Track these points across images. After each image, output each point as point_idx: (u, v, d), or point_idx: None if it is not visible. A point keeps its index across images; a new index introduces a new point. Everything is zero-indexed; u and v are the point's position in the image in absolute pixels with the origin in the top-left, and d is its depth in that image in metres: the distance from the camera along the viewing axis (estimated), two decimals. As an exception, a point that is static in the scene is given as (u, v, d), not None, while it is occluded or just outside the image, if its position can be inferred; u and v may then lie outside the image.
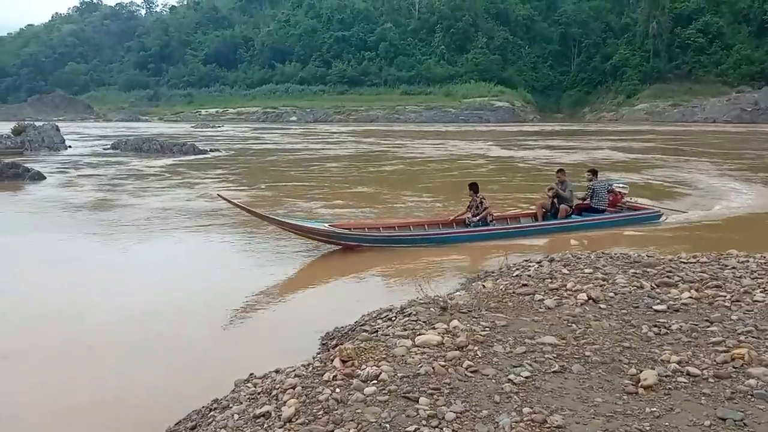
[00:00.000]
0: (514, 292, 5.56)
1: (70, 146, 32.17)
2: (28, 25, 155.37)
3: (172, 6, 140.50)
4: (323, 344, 5.54)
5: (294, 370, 4.01)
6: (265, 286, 7.74)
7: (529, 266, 6.62)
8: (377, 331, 4.83)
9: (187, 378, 5.04)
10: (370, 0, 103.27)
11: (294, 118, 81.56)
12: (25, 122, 35.39)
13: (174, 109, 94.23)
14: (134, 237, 10.57)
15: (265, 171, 22.52)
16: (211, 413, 3.96)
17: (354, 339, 4.60)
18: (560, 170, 11.49)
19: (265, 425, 3.35)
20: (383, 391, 3.50)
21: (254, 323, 6.61)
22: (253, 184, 18.25)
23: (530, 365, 3.92)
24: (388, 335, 4.49)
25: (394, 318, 5.09)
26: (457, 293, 5.69)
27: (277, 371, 4.25)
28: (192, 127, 63.67)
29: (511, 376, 3.74)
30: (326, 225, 9.63)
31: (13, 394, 4.58)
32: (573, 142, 38.00)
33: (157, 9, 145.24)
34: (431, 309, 4.99)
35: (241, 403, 3.82)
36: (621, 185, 11.73)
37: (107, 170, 22.12)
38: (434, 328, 4.49)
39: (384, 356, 4.01)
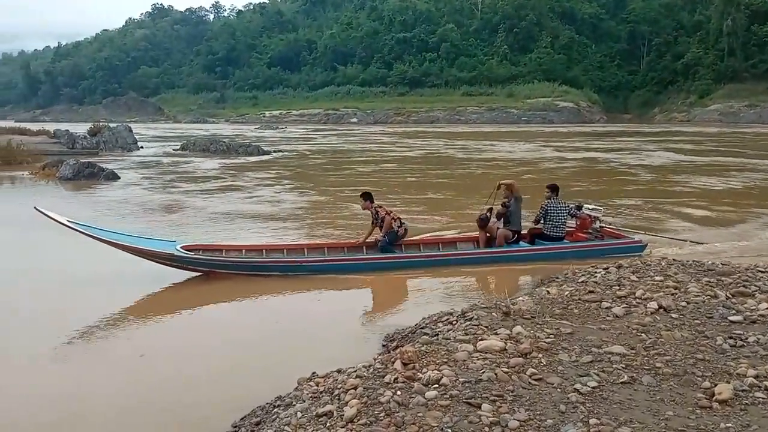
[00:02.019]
0: (579, 299, 5.42)
1: (142, 147, 33.54)
2: (104, 30, 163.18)
3: (239, 11, 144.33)
4: (384, 345, 5.55)
5: (355, 371, 4.04)
6: (326, 286, 7.80)
7: (596, 272, 6.43)
8: (438, 335, 4.80)
9: (251, 375, 5.15)
10: (432, 1, 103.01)
11: (355, 120, 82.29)
12: (101, 123, 37.09)
13: (239, 111, 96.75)
14: (200, 238, 10.83)
15: (328, 173, 22.75)
16: (275, 410, 4.04)
17: (415, 342, 4.59)
18: (503, 183, 9.24)
19: (328, 424, 3.38)
20: (445, 396, 3.47)
21: (315, 322, 6.70)
22: (316, 186, 18.43)
23: (597, 375, 3.80)
24: (449, 339, 4.45)
25: (455, 322, 5.04)
26: (520, 299, 5.59)
27: (338, 371, 4.29)
28: (256, 128, 65.19)
29: (578, 386, 3.64)
30: (177, 247, 8.00)
31: (79, 396, 4.74)
32: (647, 143, 36.79)
33: (225, 14, 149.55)
34: (493, 314, 4.92)
35: (304, 401, 3.88)
36: (591, 208, 9.43)
37: (176, 170, 22.91)
38: (496, 334, 4.42)
39: (445, 360, 3.98)
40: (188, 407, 4.53)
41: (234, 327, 6.51)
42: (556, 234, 9.08)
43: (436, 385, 3.60)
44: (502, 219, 9.09)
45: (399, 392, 3.54)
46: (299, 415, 3.63)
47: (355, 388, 3.69)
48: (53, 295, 7.41)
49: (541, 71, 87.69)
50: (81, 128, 36.28)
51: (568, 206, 9.27)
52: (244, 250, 8.53)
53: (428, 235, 10.30)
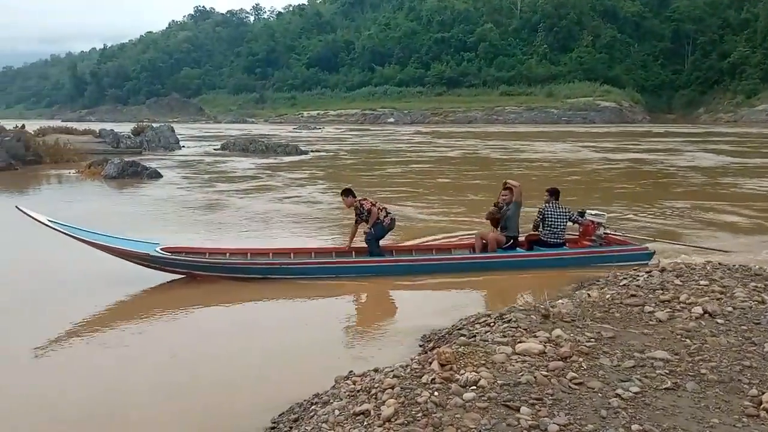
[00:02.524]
0: (621, 303, 5.32)
1: (183, 146, 34.24)
2: (148, 32, 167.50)
3: (279, 12, 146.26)
4: (420, 346, 5.54)
5: (392, 371, 4.04)
6: (362, 285, 7.82)
7: (638, 276, 6.30)
8: (475, 336, 4.77)
9: (287, 373, 5.20)
10: (470, 0, 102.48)
11: (392, 120, 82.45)
12: (144, 123, 38.01)
13: (278, 111, 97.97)
14: (237, 237, 10.98)
15: (364, 173, 22.82)
16: (313, 407, 4.08)
17: (452, 343, 4.56)
18: (510, 183, 8.82)
19: (365, 423, 3.39)
20: (483, 398, 3.45)
21: (352, 321, 6.74)
22: (353, 187, 18.49)
23: (640, 380, 3.73)
24: (487, 341, 4.42)
25: (492, 324, 5.01)
26: (560, 301, 5.51)
27: (375, 370, 4.30)
28: (294, 128, 65.82)
29: (619, 391, 3.57)
30: (156, 249, 7.87)
31: (118, 393, 4.82)
32: (693, 144, 35.87)
33: (265, 15, 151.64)
34: (532, 316, 4.86)
35: (341, 399, 3.90)
36: (594, 213, 8.91)
37: (216, 169, 23.32)
38: (535, 336, 4.37)
39: (483, 362, 3.95)
40: (227, 404, 4.59)
41: (265, 327, 6.57)
42: (553, 240, 8.64)
43: (474, 387, 3.58)
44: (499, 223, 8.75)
45: (436, 393, 3.54)
46: (337, 412, 3.65)
47: (393, 388, 3.70)
48: (90, 291, 7.59)
49: (582, 70, 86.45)
50: (125, 128, 37.23)
51: (569, 212, 8.75)
52: (228, 254, 8.40)
53: (420, 240, 9.91)
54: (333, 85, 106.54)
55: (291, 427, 3.92)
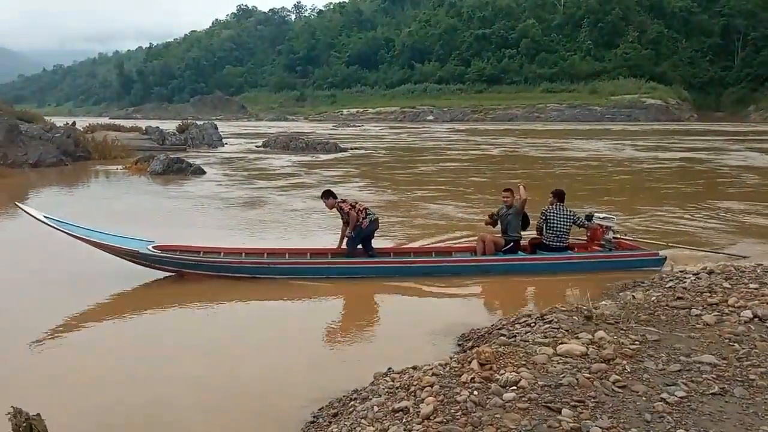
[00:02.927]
0: (667, 305, 5.20)
1: (226, 143, 34.83)
2: (192, 31, 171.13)
3: (320, 10, 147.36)
4: (459, 345, 5.52)
5: (431, 369, 4.04)
6: (400, 284, 7.80)
7: (685, 278, 6.15)
8: (515, 336, 4.73)
9: (327, 369, 5.24)
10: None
11: (431, 117, 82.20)
12: (188, 121, 38.82)
13: (318, 109, 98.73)
14: (276, 234, 11.08)
15: (404, 171, 22.81)
16: (352, 403, 4.11)
17: (492, 342, 4.54)
18: (507, 189, 8.64)
19: (404, 420, 3.40)
20: (523, 399, 3.42)
21: (390, 319, 6.75)
22: (393, 185, 18.46)
23: (686, 385, 3.64)
24: (528, 341, 4.38)
25: (533, 324, 4.96)
26: (603, 303, 5.42)
27: (414, 368, 4.31)
28: (334, 126, 66.27)
29: (664, 395, 3.49)
30: (148, 247, 7.88)
31: (162, 385, 4.92)
32: (744, 142, 34.74)
33: (306, 13, 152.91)
34: (574, 317, 4.80)
35: (380, 395, 3.92)
36: (602, 217, 8.54)
37: (258, 166, 23.66)
38: (578, 338, 4.31)
39: (524, 363, 3.92)
40: (268, 398, 4.66)
41: (298, 324, 6.61)
42: (556, 244, 8.32)
43: (514, 387, 3.55)
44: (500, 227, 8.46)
45: (476, 392, 3.52)
46: (376, 409, 3.67)
47: (432, 386, 3.70)
48: (139, 283, 7.79)
49: (627, 67, 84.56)
50: (170, 125, 38.08)
51: (573, 215, 8.41)
52: (222, 253, 8.33)
53: (419, 243, 9.73)
54: (372, 83, 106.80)
55: (330, 422, 3.96)
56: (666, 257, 8.25)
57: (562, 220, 8.32)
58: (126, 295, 7.48)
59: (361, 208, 8.33)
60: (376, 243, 8.70)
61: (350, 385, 4.51)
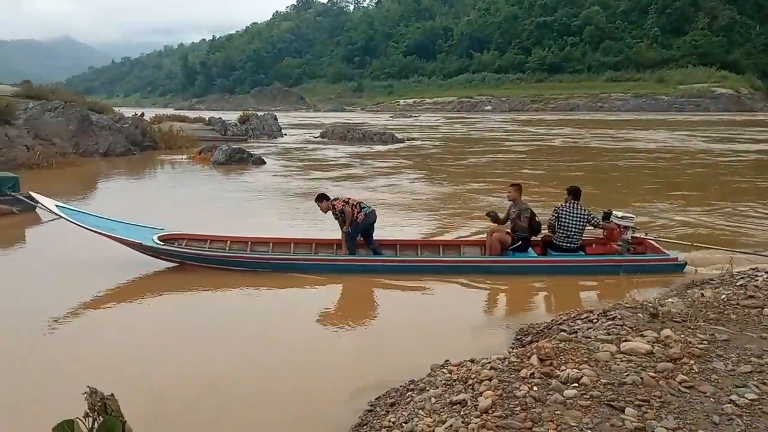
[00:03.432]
0: (738, 304, 4.96)
1: (285, 134, 35.41)
2: (253, 23, 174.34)
3: (378, 0, 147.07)
4: (517, 339, 5.46)
5: (489, 363, 4.01)
6: (458, 278, 7.73)
7: (757, 275, 5.86)
8: (576, 332, 4.63)
9: (382, 358, 5.28)
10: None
11: (489, 108, 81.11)
12: (249, 112, 39.64)
13: (375, 100, 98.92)
14: (330, 226, 11.08)
15: (460, 162, 22.61)
16: (409, 393, 4.13)
17: (552, 338, 4.46)
18: (514, 185, 8.24)
19: (462, 412, 3.39)
20: (585, 396, 3.35)
21: (446, 311, 6.72)
22: (448, 177, 18.30)
23: (757, 387, 3.47)
24: (590, 338, 4.28)
25: (595, 320, 4.83)
26: (669, 300, 5.23)
27: (472, 361, 4.29)
28: (390, 116, 66.30)
29: (734, 397, 3.35)
30: (154, 237, 7.91)
31: (217, 375, 4.99)
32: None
33: (364, 4, 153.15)
34: (639, 314, 4.65)
35: (437, 387, 3.92)
36: (621, 216, 7.96)
37: (316, 157, 23.95)
38: (642, 336, 4.18)
39: (585, 359, 3.83)
40: (325, 386, 4.73)
41: (352, 314, 6.65)
42: (566, 244, 7.85)
43: (576, 384, 3.48)
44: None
45: (535, 388, 3.47)
46: (433, 400, 3.67)
47: (490, 380, 3.67)
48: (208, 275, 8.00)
49: (697, 55, 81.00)
50: (231, 116, 38.95)
51: (588, 214, 7.86)
52: (228, 242, 8.28)
53: (425, 237, 9.43)
54: (430, 73, 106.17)
55: (388, 411, 3.99)
56: (686, 262, 7.66)
57: (574, 219, 7.82)
58: (165, 281, 7.67)
59: (355, 203, 8.19)
60: (389, 233, 8.54)
61: (406, 376, 4.53)
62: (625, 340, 4.09)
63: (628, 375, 3.56)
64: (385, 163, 21.50)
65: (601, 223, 7.96)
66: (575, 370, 3.63)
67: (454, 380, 3.95)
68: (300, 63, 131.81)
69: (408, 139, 31.84)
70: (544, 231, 8.22)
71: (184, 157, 22.58)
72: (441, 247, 8.48)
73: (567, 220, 7.82)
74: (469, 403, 3.48)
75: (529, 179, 17.00)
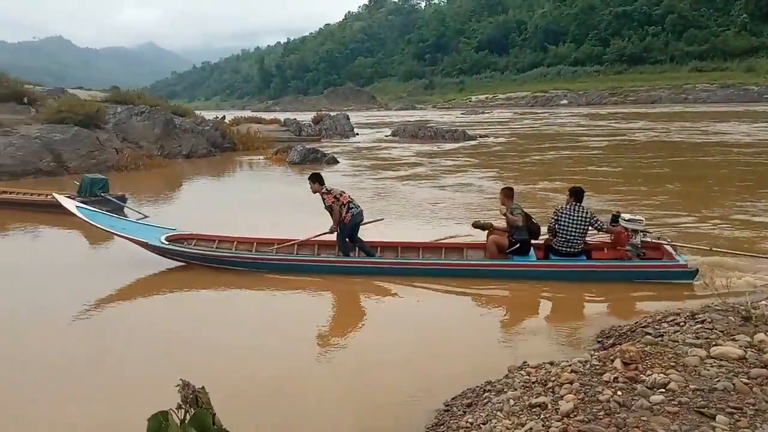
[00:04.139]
0: (841, 308, 4.63)
1: (357, 133, 35.83)
2: (326, 24, 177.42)
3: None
4: (599, 342, 5.30)
5: (570, 365, 3.91)
6: (535, 283, 7.53)
7: None
8: (663, 336, 4.44)
9: (459, 359, 5.25)
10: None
11: (565, 102, 79.00)
12: (322, 112, 40.38)
13: (446, 97, 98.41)
14: (408, 225, 11.12)
15: (533, 159, 22.14)
16: (486, 394, 4.09)
17: (636, 341, 4.30)
18: (503, 189, 7.94)
19: (542, 416, 3.33)
20: (673, 402, 3.22)
21: (522, 313, 6.61)
22: (521, 175, 17.97)
23: None
24: (677, 342, 4.10)
25: (683, 323, 4.63)
26: (763, 302, 4.94)
27: (551, 363, 4.20)
28: (462, 113, 65.75)
29: (839, 408, 3.13)
30: (161, 238, 8.10)
31: (294, 378, 5.02)
32: None
33: (435, 0, 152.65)
34: (730, 317, 4.42)
35: (516, 389, 3.87)
36: (628, 219, 7.39)
37: (388, 156, 24.08)
38: (734, 340, 3.97)
39: (673, 364, 3.68)
40: (400, 384, 4.73)
41: (428, 314, 6.60)
42: (566, 249, 7.40)
43: (663, 390, 3.34)
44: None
45: (620, 392, 3.36)
46: (512, 402, 3.63)
47: (571, 383, 3.59)
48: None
49: (791, 41, 75.77)
50: (305, 117, 39.78)
51: (590, 217, 7.36)
52: (236, 242, 8.40)
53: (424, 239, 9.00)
54: (502, 68, 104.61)
55: (465, 412, 3.97)
56: (697, 269, 7.07)
57: (575, 222, 7.35)
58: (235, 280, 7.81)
59: (345, 201, 7.99)
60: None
61: (483, 377, 4.49)
62: (716, 345, 3.90)
63: (719, 381, 3.40)
64: (455, 161, 21.35)
65: (604, 226, 7.52)
66: (662, 374, 3.49)
67: (533, 382, 3.89)
68: (371, 62, 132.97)
69: (480, 136, 31.49)
70: (546, 235, 7.82)
71: (261, 157, 23.26)
72: (443, 250, 8.29)
73: (567, 223, 7.39)
74: (549, 406, 3.42)
75: (608, 177, 16.45)
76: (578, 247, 7.43)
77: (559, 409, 3.32)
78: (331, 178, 17.50)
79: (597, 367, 3.78)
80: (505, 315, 6.56)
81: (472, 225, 8.08)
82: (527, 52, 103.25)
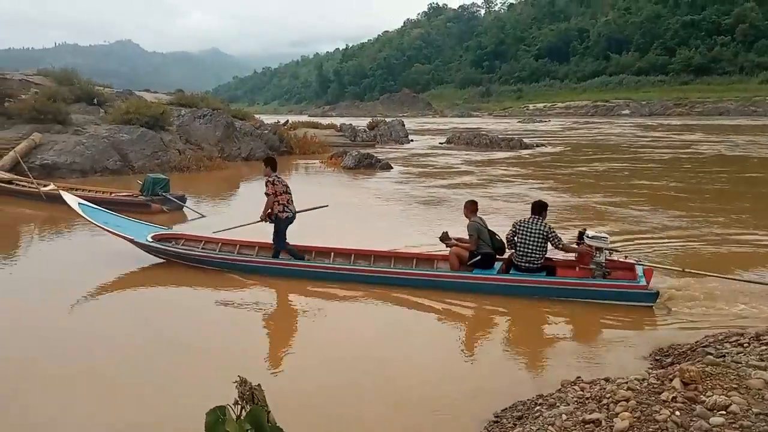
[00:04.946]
0: None
1: (412, 140, 35.86)
2: (384, 31, 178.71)
3: (510, 3, 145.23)
4: (656, 360, 5.13)
5: (626, 383, 3.81)
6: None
7: None
8: (725, 356, 4.28)
9: (510, 371, 5.18)
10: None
11: (627, 112, 77.01)
12: (378, 118, 40.66)
13: (503, 105, 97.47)
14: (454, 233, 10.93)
15: (595, 170, 21.65)
16: (537, 407, 4.02)
17: (696, 361, 4.16)
18: (467, 202, 7.75)
19: (595, 433, 3.26)
20: (734, 425, 3.09)
21: (578, 328, 6.46)
22: (578, 187, 17.53)
23: None
24: (740, 363, 3.94)
25: (746, 344, 4.45)
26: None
27: (606, 380, 4.11)
28: (518, 121, 64.96)
29: None
30: (148, 237, 8.45)
31: (357, 392, 4.95)
32: None
33: (496, 8, 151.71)
34: (799, 341, 4.21)
35: (569, 404, 3.79)
36: (592, 236, 7.06)
37: (441, 163, 24.01)
38: (803, 365, 3.78)
39: (735, 386, 3.53)
40: (449, 394, 4.68)
41: (477, 325, 6.55)
42: (524, 264, 7.17)
43: (723, 412, 3.22)
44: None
45: (678, 413, 3.26)
46: (564, 417, 3.56)
47: (627, 401, 3.49)
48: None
49: None
50: (360, 122, 40.09)
51: (547, 232, 7.10)
52: (220, 244, 8.59)
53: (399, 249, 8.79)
54: (562, 76, 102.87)
55: (515, 424, 3.91)
56: (658, 292, 6.72)
57: (532, 236, 7.11)
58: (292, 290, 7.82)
59: (284, 201, 8.08)
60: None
61: (534, 390, 4.42)
62: (783, 369, 3.72)
63: (785, 407, 3.24)
64: (509, 170, 21.09)
65: (561, 243, 7.21)
66: (723, 396, 3.36)
67: (587, 398, 3.81)
68: (428, 69, 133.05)
69: (537, 145, 31.01)
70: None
71: (317, 161, 23.58)
72: (415, 260, 8.21)
73: (524, 237, 7.16)
74: (603, 423, 3.34)
75: (670, 191, 15.86)
76: (537, 263, 7.19)
77: (613, 426, 3.25)
78: (384, 184, 17.63)
79: (655, 385, 3.67)
80: (553, 329, 6.40)
81: (440, 238, 7.92)
82: (588, 60, 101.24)
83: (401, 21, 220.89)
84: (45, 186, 14.17)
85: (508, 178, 18.56)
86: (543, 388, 4.42)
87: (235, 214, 13.39)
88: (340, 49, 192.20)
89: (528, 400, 4.27)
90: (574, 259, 7.41)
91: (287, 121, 32.54)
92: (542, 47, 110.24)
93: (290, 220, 8.17)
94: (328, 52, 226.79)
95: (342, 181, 18.93)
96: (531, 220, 7.21)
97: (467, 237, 7.61)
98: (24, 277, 8.22)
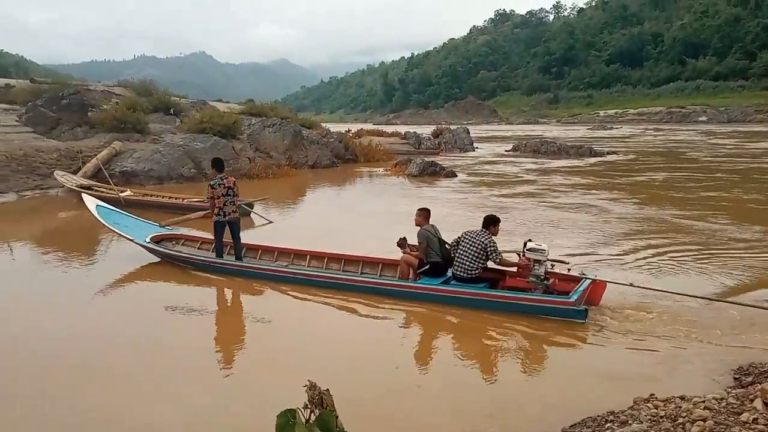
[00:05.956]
0: None
1: (477, 148, 35.58)
2: (450, 39, 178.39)
3: (580, 8, 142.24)
4: (736, 379, 4.87)
5: (703, 402, 3.65)
6: (672, 304, 7.09)
7: None
8: (813, 378, 4.03)
9: (579, 384, 5.04)
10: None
11: (704, 118, 73.79)
12: (442, 126, 40.57)
13: (571, 111, 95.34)
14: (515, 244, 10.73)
15: (671, 179, 20.83)
16: (608, 424, 3.90)
17: (781, 381, 3.93)
18: (419, 210, 7.76)
19: (670, 453, 3.13)
20: (824, 453, 2.90)
21: (652, 341, 6.21)
22: (651, 199, 16.83)
23: None
24: (831, 386, 3.69)
25: (838, 365, 4.16)
26: None
27: (682, 398, 3.94)
28: (588, 129, 63.35)
29: None
30: (146, 239, 8.78)
31: (404, 403, 4.86)
32: None
33: (565, 13, 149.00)
34: None
35: (641, 422, 3.67)
36: (528, 248, 6.89)
37: (507, 171, 23.69)
38: None
39: (825, 411, 3.32)
40: (515, 408, 4.59)
41: (547, 337, 6.36)
42: (461, 274, 7.16)
43: (812, 438, 3.03)
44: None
45: (760, 436, 3.09)
46: (636, 435, 3.44)
47: (704, 420, 3.35)
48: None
49: None
50: (425, 130, 40.13)
51: (486, 245, 7.06)
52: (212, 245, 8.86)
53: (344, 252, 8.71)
54: (635, 82, 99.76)
55: (584, 441, 3.82)
56: (587, 309, 6.43)
57: (471, 247, 7.14)
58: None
59: (221, 204, 8.38)
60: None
61: (605, 406, 4.29)
62: None
63: None
64: (578, 179, 20.56)
65: (499, 258, 7.09)
66: (812, 422, 3.17)
67: (661, 417, 3.67)
68: (494, 76, 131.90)
69: (608, 153, 30.12)
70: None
71: (382, 169, 23.75)
72: (381, 266, 8.31)
73: (465, 248, 7.21)
74: (678, 443, 3.21)
75: (740, 203, 14.89)
76: (473, 273, 7.16)
77: (689, 447, 3.11)
78: (449, 192, 17.54)
79: (734, 405, 3.50)
80: (627, 341, 6.18)
81: (397, 244, 7.95)
82: (663, 65, 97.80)
83: (467, 29, 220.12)
84: (122, 192, 14.96)
85: (578, 188, 18.06)
86: (615, 404, 4.27)
87: (301, 220, 13.70)
88: (406, 57, 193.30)
89: (599, 416, 4.14)
90: (514, 271, 7.32)
91: (348, 129, 32.95)
92: (614, 52, 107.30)
93: (223, 224, 8.51)
94: (393, 60, 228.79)
95: (406, 188, 18.97)
96: (476, 233, 7.28)
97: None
98: (103, 273, 8.66)
